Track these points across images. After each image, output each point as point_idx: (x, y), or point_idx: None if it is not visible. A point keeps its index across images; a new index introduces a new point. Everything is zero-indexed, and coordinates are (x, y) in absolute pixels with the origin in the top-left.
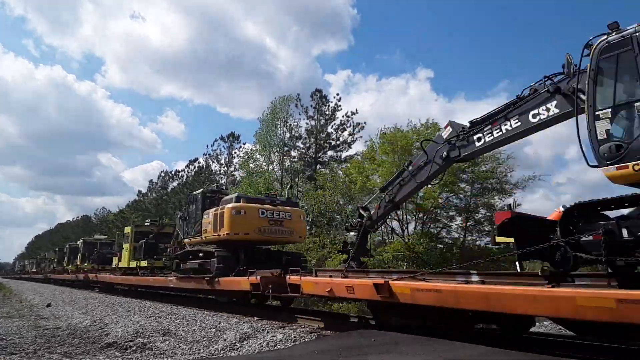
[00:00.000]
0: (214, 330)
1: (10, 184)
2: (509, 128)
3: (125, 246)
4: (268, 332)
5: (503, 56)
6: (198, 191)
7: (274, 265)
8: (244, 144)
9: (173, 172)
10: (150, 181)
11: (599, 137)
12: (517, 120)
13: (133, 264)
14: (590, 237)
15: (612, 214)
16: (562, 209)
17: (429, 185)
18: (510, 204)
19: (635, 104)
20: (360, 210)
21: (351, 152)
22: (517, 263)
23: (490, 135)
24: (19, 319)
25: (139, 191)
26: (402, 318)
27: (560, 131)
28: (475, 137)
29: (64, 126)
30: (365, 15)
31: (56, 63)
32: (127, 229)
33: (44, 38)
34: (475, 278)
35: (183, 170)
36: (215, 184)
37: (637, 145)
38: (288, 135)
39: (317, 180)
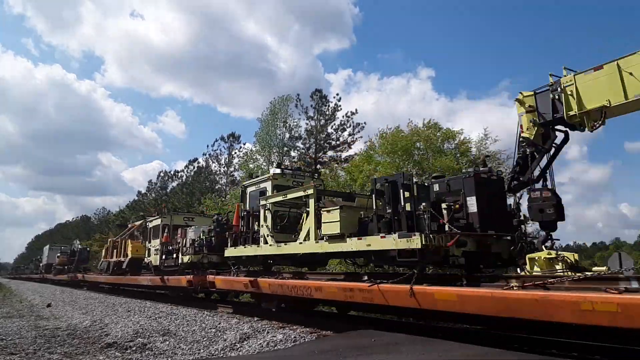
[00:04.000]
0: (214, 330)
1: (10, 184)
2: None
3: None
4: (268, 332)
5: (504, 55)
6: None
7: None
8: (244, 144)
9: (172, 173)
10: (150, 181)
11: None
12: None
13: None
14: None
15: None
16: None
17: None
18: (510, 204)
19: None
20: None
21: (351, 152)
22: None
23: None
24: (19, 319)
25: (139, 191)
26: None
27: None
28: None
29: (64, 125)
30: (368, 13)
31: (56, 62)
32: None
33: (44, 37)
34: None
35: (182, 171)
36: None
37: None
38: (288, 135)
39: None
